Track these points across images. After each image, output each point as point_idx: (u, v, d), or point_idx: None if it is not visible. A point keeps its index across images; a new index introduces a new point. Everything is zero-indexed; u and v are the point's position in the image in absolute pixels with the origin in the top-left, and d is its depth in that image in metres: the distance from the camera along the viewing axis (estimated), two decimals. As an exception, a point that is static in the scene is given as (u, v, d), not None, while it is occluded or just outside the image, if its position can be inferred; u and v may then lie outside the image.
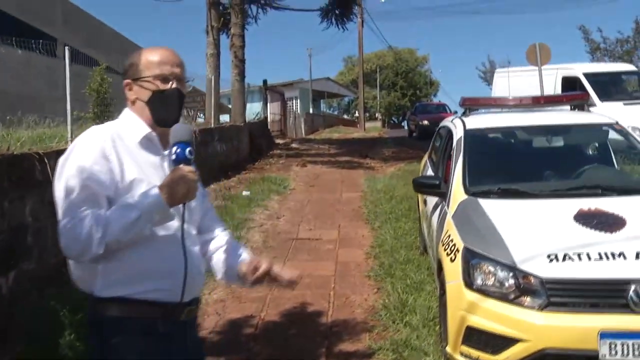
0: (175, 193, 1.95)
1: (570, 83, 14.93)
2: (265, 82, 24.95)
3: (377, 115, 59.95)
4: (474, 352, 3.56)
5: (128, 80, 2.16)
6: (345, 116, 63.61)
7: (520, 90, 12.45)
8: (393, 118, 64.89)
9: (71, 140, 7.28)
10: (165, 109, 2.14)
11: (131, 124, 2.14)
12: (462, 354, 3.64)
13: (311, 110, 44.13)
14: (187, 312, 2.15)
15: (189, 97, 26.20)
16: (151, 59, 2.14)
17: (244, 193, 11.13)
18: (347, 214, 9.54)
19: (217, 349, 4.56)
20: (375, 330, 4.74)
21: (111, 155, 2.00)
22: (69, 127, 7.30)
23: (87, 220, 1.88)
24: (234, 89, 18.44)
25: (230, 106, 20.33)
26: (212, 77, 16.22)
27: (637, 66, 19.62)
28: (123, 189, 2.00)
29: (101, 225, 1.88)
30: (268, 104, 25.56)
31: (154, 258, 2.03)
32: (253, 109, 24.00)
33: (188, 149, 2.00)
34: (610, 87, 14.98)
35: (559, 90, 14.66)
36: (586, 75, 15.03)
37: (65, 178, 1.97)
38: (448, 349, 3.78)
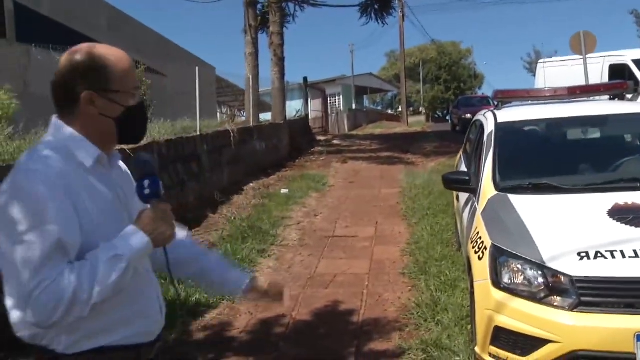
0: (161, 234, 1.72)
1: (618, 71, 14.47)
2: (305, 79, 24.97)
3: (420, 109, 59.48)
4: (503, 353, 3.44)
5: (92, 92, 1.72)
6: (388, 111, 63.25)
7: (565, 81, 12.13)
8: (437, 112, 64.25)
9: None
10: (138, 125, 1.88)
11: (78, 145, 1.75)
12: (490, 354, 3.53)
13: (354, 107, 44.00)
14: (157, 349, 1.96)
15: (230, 96, 26.49)
16: (123, 67, 1.78)
17: (283, 191, 11.16)
18: (385, 211, 9.45)
19: (246, 348, 4.58)
20: (406, 329, 4.68)
21: (70, 188, 1.65)
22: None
23: (67, 279, 1.56)
24: (274, 87, 18.53)
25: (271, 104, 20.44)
26: (251, 76, 16.31)
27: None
28: (88, 230, 1.67)
29: (86, 283, 1.58)
30: (309, 101, 25.58)
31: (132, 302, 1.79)
32: (294, 107, 24.06)
33: (160, 183, 1.79)
34: None
35: (606, 79, 14.21)
36: (636, 61, 14.54)
37: (21, 222, 1.57)
38: (477, 349, 3.68)
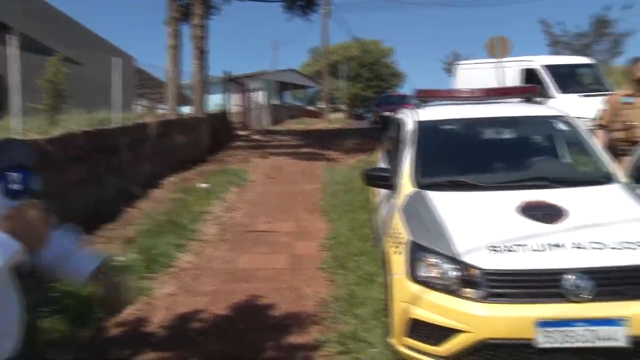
0: (32, 239, 1.42)
1: (532, 75, 15.22)
2: (227, 73, 24.72)
3: (341, 106, 60.00)
4: (417, 344, 3.58)
5: None
6: (310, 107, 63.48)
7: (482, 82, 12.64)
8: (358, 109, 64.99)
9: (22, 133, 7.13)
10: None
11: None
12: (405, 345, 3.66)
13: (275, 102, 43.88)
14: None
15: (151, 88, 25.88)
16: None
17: (202, 185, 11.03)
18: (306, 206, 9.51)
19: (165, 343, 4.51)
20: (324, 323, 4.73)
21: None
22: (18, 119, 7.12)
23: None
24: (195, 80, 18.26)
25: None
26: (172, 69, 16.03)
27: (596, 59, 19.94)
28: None
29: None
30: (230, 96, 25.33)
31: None
32: (215, 101, 23.74)
33: (33, 177, 1.51)
34: (568, 79, 15.30)
35: (519, 83, 14.87)
36: (546, 67, 15.35)
37: None
38: (392, 340, 3.80)
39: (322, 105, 49.62)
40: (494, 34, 15.80)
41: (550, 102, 12.36)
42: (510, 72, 15.14)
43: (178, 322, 4.92)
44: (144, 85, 25.66)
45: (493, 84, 13.48)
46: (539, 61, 15.94)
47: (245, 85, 32.41)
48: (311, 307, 5.13)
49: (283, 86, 49.69)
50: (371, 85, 65.15)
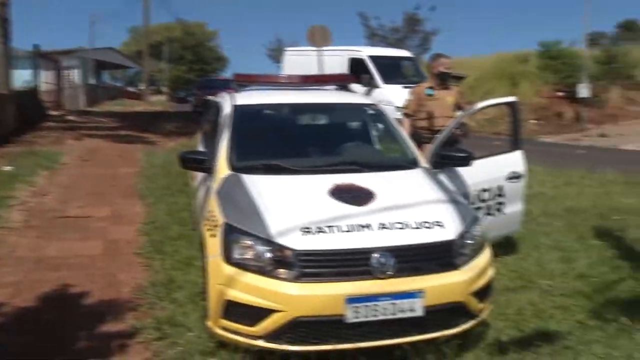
0: None
1: (358, 65, 16.04)
2: (37, 47, 23.00)
3: (163, 88, 58.50)
4: (233, 325, 3.64)
5: None
6: (129, 89, 61.09)
7: (308, 69, 13.05)
8: (181, 92, 63.75)
9: None
10: None
11: None
12: (222, 327, 3.70)
13: (92, 81, 41.74)
14: None
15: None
16: None
17: (6, 168, 10.22)
18: (122, 191, 9.19)
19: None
20: (140, 309, 4.62)
21: None
22: None
23: None
24: (-4, 52, 16.64)
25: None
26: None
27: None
28: None
29: None
30: (41, 72, 23.60)
31: None
32: (23, 77, 21.99)
33: None
34: (392, 70, 16.30)
35: (347, 71, 15.53)
36: (371, 58, 16.23)
37: None
38: (209, 323, 3.82)
39: (142, 86, 48.02)
40: (316, 22, 16.34)
41: (376, 91, 13.05)
42: (337, 61, 15.81)
43: (-28, 319, 4.53)
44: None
45: (321, 71, 13.95)
46: (365, 52, 16.85)
47: (58, 62, 30.34)
48: (127, 293, 4.98)
49: (101, 65, 47.38)
50: (194, 68, 64.18)
